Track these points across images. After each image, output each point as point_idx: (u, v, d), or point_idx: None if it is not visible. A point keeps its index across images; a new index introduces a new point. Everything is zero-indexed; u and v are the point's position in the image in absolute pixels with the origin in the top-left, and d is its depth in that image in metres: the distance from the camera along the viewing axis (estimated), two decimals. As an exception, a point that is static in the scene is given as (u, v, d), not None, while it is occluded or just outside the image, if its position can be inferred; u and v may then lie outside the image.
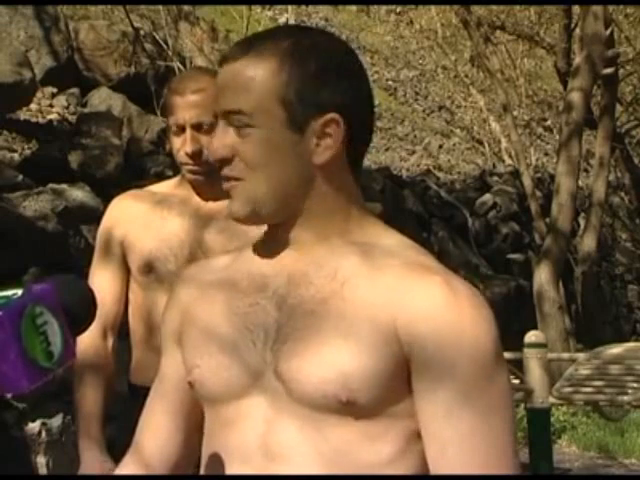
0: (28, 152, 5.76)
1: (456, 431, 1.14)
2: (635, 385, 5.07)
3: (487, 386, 1.15)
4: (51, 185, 5.34)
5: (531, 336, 5.33)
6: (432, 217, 9.64)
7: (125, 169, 5.96)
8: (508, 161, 12.67)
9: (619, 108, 12.42)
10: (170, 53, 7.60)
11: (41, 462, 4.13)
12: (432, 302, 1.14)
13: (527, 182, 9.74)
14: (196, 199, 2.31)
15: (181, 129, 2.23)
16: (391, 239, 1.24)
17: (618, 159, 12.89)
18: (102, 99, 6.77)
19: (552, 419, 6.23)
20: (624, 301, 12.37)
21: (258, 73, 1.20)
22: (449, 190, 10.38)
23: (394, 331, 1.15)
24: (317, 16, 13.72)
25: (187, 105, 2.22)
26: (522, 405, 5.51)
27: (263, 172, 1.21)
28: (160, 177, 4.67)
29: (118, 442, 2.40)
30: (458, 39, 14.51)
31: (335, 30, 12.62)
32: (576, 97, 8.62)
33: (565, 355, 6.87)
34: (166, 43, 7.68)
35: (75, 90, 6.84)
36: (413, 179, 10.30)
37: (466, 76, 14.95)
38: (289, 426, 1.18)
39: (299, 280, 1.21)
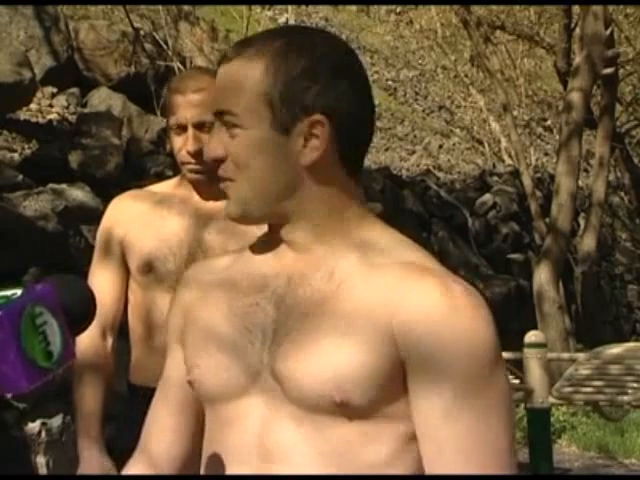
0: (28, 152, 5.76)
1: (454, 431, 1.14)
2: (635, 385, 5.07)
3: (485, 386, 1.14)
4: (51, 185, 5.34)
5: (531, 336, 5.34)
6: (432, 217, 9.64)
7: (125, 169, 5.96)
8: (508, 161, 12.67)
9: (619, 108, 12.42)
10: (170, 53, 7.60)
11: (41, 462, 4.13)
12: (428, 303, 1.14)
13: (527, 182, 9.74)
14: (196, 199, 2.31)
15: (183, 128, 2.24)
16: (390, 238, 1.24)
17: (618, 159, 12.89)
18: (102, 99, 6.78)
19: (552, 419, 6.23)
20: (624, 301, 12.37)
21: (247, 74, 1.21)
22: (449, 190, 10.37)
23: (390, 332, 1.15)
24: (317, 16, 13.72)
25: (189, 104, 2.22)
26: (522, 405, 5.51)
27: (249, 173, 1.21)
28: (160, 177, 4.67)
29: (117, 442, 2.41)
30: (458, 39, 14.51)
31: (335, 30, 12.62)
32: (576, 97, 8.62)
33: (565, 355, 6.87)
34: (166, 43, 7.68)
35: (75, 90, 6.84)
36: (413, 179, 10.29)
37: (466, 76, 14.95)
38: (286, 426, 1.18)
39: (298, 281, 1.22)
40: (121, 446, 2.30)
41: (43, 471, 4.12)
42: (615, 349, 5.45)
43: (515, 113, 13.10)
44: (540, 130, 15.18)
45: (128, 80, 7.16)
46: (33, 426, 4.16)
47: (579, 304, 10.35)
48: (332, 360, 1.15)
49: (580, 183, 10.04)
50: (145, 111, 6.73)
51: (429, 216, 9.60)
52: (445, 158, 12.27)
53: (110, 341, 2.35)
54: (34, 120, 6.26)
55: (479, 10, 11.83)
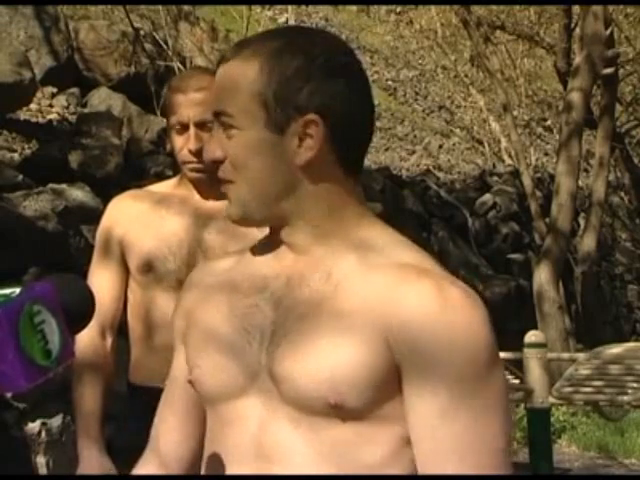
0: (28, 152, 5.76)
1: (450, 431, 1.13)
2: (635, 385, 5.07)
3: (482, 386, 1.14)
4: (51, 185, 5.33)
5: (531, 336, 5.33)
6: (432, 217, 9.64)
7: (125, 169, 5.96)
8: (508, 161, 12.66)
9: (619, 108, 12.42)
10: (170, 53, 7.60)
11: (41, 462, 4.13)
12: (423, 305, 1.14)
13: (527, 182, 9.74)
14: (196, 199, 2.31)
15: (184, 127, 2.23)
16: (389, 238, 1.24)
17: (618, 159, 12.89)
18: (102, 99, 6.77)
19: (552, 419, 6.23)
20: (624, 301, 12.36)
21: (243, 74, 1.21)
22: (449, 190, 10.37)
23: (385, 334, 1.15)
24: (317, 16, 13.72)
25: (190, 103, 2.22)
26: (522, 405, 5.51)
27: (247, 174, 1.22)
28: (160, 177, 4.67)
29: (117, 441, 2.41)
30: (458, 39, 14.50)
31: (335, 30, 12.62)
32: (576, 97, 8.62)
33: (565, 355, 6.86)
34: (166, 43, 7.68)
35: (75, 90, 6.83)
36: (413, 179, 10.29)
37: (466, 76, 14.95)
38: (284, 427, 1.18)
39: (296, 282, 1.22)
40: (121, 445, 2.31)
41: (43, 471, 4.12)
42: (615, 349, 5.45)
43: (515, 113, 13.10)
44: (540, 130, 15.17)
45: (128, 80, 7.16)
46: (33, 426, 4.16)
47: (579, 304, 10.35)
48: (327, 362, 1.15)
49: (580, 183, 10.04)
50: (145, 111, 6.73)
51: (429, 216, 9.59)
52: (445, 158, 12.27)
53: (109, 340, 2.35)
54: (34, 120, 6.26)
55: (479, 10, 11.83)
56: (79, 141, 5.93)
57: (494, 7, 12.98)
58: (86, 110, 6.66)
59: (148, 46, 7.56)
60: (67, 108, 6.63)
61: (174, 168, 5.07)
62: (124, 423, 2.41)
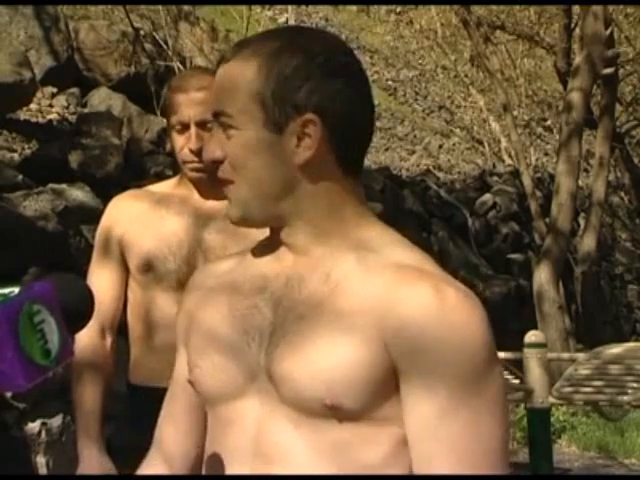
0: (28, 152, 5.76)
1: (449, 431, 1.13)
2: (635, 385, 5.07)
3: (481, 386, 1.14)
4: (51, 185, 5.33)
5: (531, 336, 5.33)
6: (432, 217, 9.64)
7: (125, 169, 5.96)
8: (508, 161, 12.66)
9: (619, 108, 12.41)
10: (170, 53, 7.60)
11: (41, 462, 4.13)
12: (421, 307, 1.14)
13: (527, 182, 9.74)
14: (195, 198, 2.31)
15: (185, 127, 2.23)
16: (388, 239, 1.24)
17: (618, 159, 12.89)
18: (102, 99, 6.77)
19: (552, 419, 6.22)
20: (624, 301, 12.36)
21: (241, 74, 1.21)
22: (449, 190, 10.37)
23: (383, 335, 1.15)
24: (317, 16, 13.72)
25: (191, 102, 2.22)
26: (522, 405, 5.51)
27: (247, 174, 1.22)
28: (160, 177, 4.67)
29: (117, 441, 2.41)
30: (458, 39, 14.50)
31: (335, 30, 12.62)
32: (576, 97, 8.62)
33: (565, 355, 6.86)
34: (166, 43, 7.68)
35: (75, 90, 6.83)
36: (413, 179, 10.29)
37: (466, 76, 14.95)
38: (284, 427, 1.18)
39: (296, 282, 1.22)
40: (120, 445, 2.31)
41: (43, 471, 4.12)
42: (615, 349, 5.44)
43: (515, 113, 13.10)
44: (540, 130, 15.18)
45: (128, 80, 7.16)
46: (33, 426, 4.16)
47: (579, 304, 10.35)
48: (324, 363, 1.15)
49: (580, 183, 10.04)
50: (145, 111, 6.72)
51: (429, 216, 9.59)
52: (445, 158, 12.27)
53: (109, 340, 2.35)
54: (34, 120, 6.26)
55: (479, 10, 11.83)
56: (79, 141, 5.93)
57: (494, 7, 12.98)
58: (86, 110, 6.66)
59: (148, 46, 7.56)
60: (67, 108, 6.63)
61: (174, 168, 5.07)
62: (124, 423, 2.41)
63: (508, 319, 7.87)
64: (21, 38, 6.66)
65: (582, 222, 11.16)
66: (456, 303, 1.14)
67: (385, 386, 1.15)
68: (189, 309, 1.34)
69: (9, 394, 3.89)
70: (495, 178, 11.42)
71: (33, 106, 6.36)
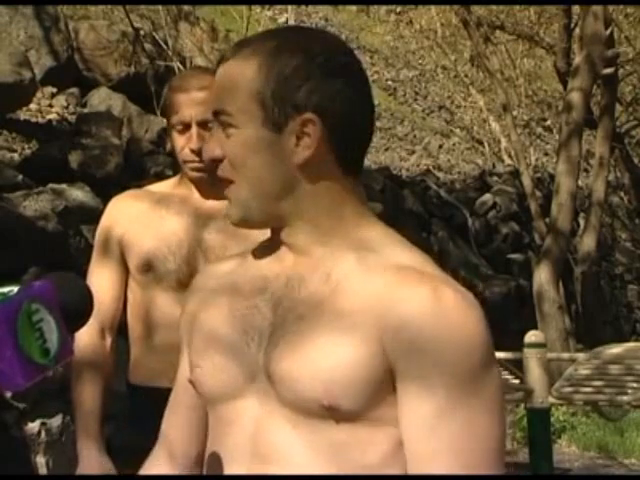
0: (28, 152, 5.76)
1: (447, 430, 1.13)
2: (635, 385, 5.07)
3: (478, 386, 1.14)
4: (51, 185, 5.33)
5: (531, 336, 5.33)
6: (432, 217, 9.64)
7: (125, 169, 5.96)
8: (508, 161, 12.66)
9: (619, 108, 12.41)
10: (170, 53, 7.60)
11: (41, 462, 4.13)
12: (419, 307, 1.14)
13: (527, 182, 9.74)
14: (195, 198, 2.31)
15: (186, 126, 2.23)
16: (388, 239, 1.24)
17: (618, 159, 12.88)
18: (102, 99, 6.77)
19: (552, 419, 6.22)
20: (624, 301, 12.36)
21: (241, 73, 1.21)
22: (449, 190, 10.37)
23: (381, 336, 1.15)
24: (317, 16, 13.72)
25: (192, 102, 2.22)
26: (522, 405, 5.50)
27: (246, 173, 1.22)
28: (160, 177, 4.67)
29: (116, 441, 2.41)
30: (458, 39, 14.50)
31: (335, 30, 12.62)
32: (576, 97, 8.62)
33: (565, 355, 6.86)
34: (166, 43, 7.68)
35: (75, 90, 6.84)
36: (413, 179, 10.29)
37: (466, 76, 14.95)
38: (282, 427, 1.18)
39: (296, 283, 1.22)
40: (120, 445, 2.31)
41: (43, 471, 4.12)
42: (615, 349, 5.44)
43: (515, 113, 13.10)
44: (540, 130, 15.18)
45: (128, 80, 7.16)
46: (33, 426, 4.16)
47: (579, 304, 10.35)
48: (322, 364, 1.15)
49: (580, 183, 10.04)
50: (145, 111, 6.73)
51: (429, 216, 9.59)
52: (445, 158, 12.27)
53: (109, 340, 2.35)
54: (34, 120, 6.26)
55: (479, 10, 11.83)
56: (79, 141, 5.93)
57: (494, 7, 12.98)
58: (86, 110, 6.66)
59: (148, 46, 7.56)
60: (67, 108, 6.63)
61: (174, 168, 5.07)
62: (124, 423, 2.42)
63: (508, 319, 7.87)
64: (21, 38, 6.66)
65: (582, 222, 11.15)
66: (454, 304, 1.15)
67: (383, 387, 1.15)
68: (191, 311, 1.34)
69: (8, 394, 3.89)
70: (495, 178, 11.42)
71: (33, 106, 6.37)
